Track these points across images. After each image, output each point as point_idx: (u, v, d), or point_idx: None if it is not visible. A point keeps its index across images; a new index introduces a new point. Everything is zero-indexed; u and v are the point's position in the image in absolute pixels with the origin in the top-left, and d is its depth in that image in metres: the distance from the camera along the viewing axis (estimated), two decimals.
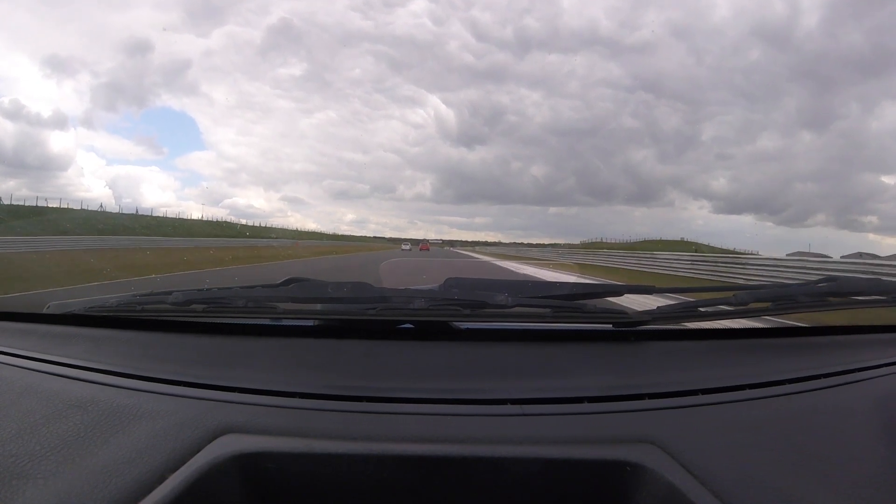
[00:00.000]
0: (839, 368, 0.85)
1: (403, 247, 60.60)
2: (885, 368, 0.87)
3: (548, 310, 0.94)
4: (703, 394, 0.74)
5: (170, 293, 0.97)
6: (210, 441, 0.61)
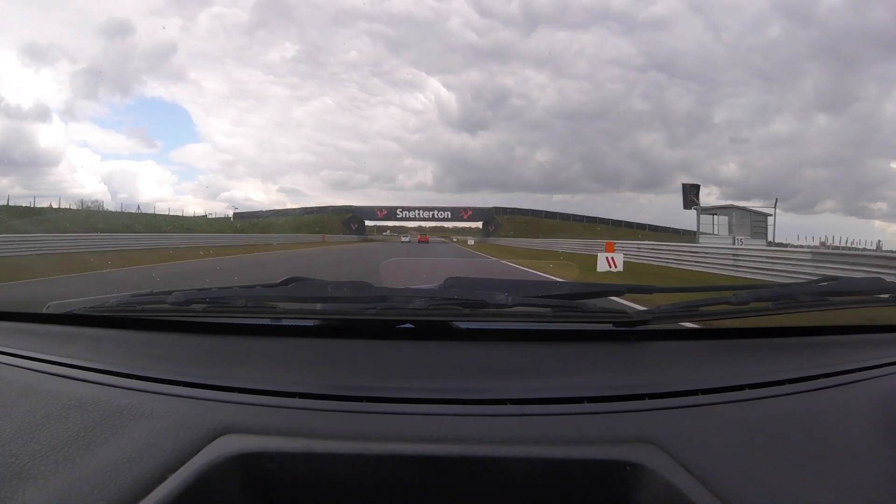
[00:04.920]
0: (839, 368, 0.85)
1: (403, 238, 55.06)
2: (884, 368, 0.87)
3: (548, 309, 0.94)
4: (703, 394, 0.74)
5: (170, 293, 0.97)
6: (210, 441, 0.61)
